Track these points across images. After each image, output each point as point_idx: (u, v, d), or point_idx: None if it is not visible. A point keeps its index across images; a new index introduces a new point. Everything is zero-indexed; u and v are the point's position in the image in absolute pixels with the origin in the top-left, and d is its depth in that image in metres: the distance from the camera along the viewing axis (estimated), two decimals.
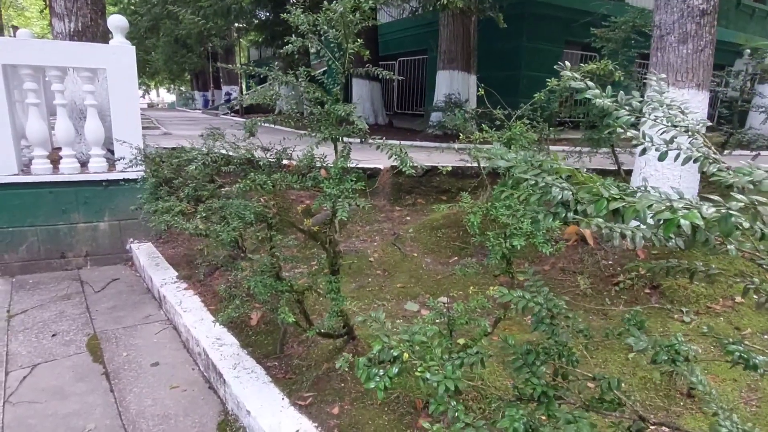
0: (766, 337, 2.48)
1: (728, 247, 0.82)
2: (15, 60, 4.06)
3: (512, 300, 1.23)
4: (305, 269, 3.62)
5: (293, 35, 1.78)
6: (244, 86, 23.69)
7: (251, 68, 2.20)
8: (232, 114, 17.61)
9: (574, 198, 0.67)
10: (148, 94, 38.85)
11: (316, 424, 2.14)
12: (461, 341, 2.64)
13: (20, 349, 3.11)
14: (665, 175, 3.49)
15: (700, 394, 1.14)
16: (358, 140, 1.71)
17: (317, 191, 1.61)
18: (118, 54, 4.41)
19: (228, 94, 23.49)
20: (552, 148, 4.95)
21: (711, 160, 0.79)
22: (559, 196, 0.69)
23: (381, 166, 5.39)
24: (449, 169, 2.39)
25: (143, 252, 4.57)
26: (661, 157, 0.86)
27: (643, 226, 0.68)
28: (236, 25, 16.87)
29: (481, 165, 4.91)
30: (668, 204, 0.57)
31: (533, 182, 0.72)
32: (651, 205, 0.57)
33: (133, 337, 3.30)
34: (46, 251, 4.50)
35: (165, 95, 47.23)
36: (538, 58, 10.54)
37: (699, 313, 2.74)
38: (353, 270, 3.74)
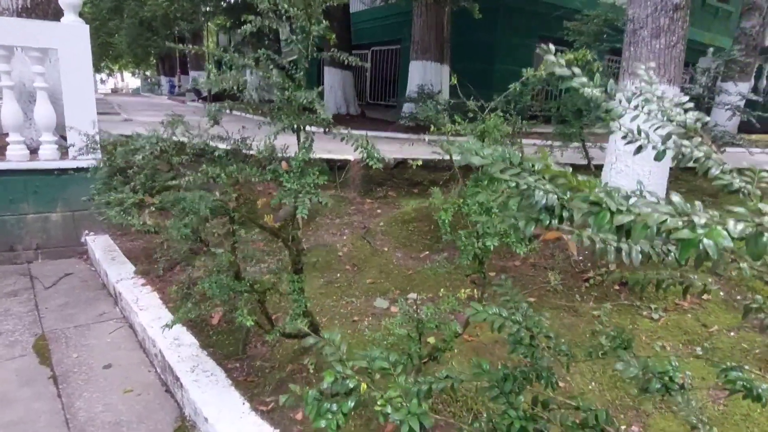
0: (732, 334, 2.50)
1: (741, 265, 0.75)
2: None
3: (487, 319, 1.14)
4: (273, 263, 3.48)
5: (256, 16, 1.64)
6: (212, 72, 22.91)
7: (217, 53, 2.03)
8: (200, 100, 17.06)
9: (560, 203, 0.58)
10: (112, 77, 37.41)
11: (279, 431, 2.03)
12: (431, 340, 2.57)
13: None
14: (635, 170, 3.50)
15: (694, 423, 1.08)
16: (322, 130, 1.59)
17: (279, 185, 1.48)
18: (71, 33, 4.11)
19: (194, 80, 22.78)
20: (525, 141, 4.92)
21: (712, 161, 0.72)
22: (543, 201, 0.60)
23: (351, 158, 5.26)
24: (419, 163, 2.30)
25: (99, 245, 4.33)
26: (658, 157, 0.79)
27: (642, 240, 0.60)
28: (204, 9, 16.29)
29: (453, 158, 4.87)
30: (686, 219, 0.48)
31: (513, 184, 0.63)
32: (665, 221, 0.49)
33: (84, 337, 3.10)
34: None
35: (130, 80, 45.48)
36: (512, 52, 10.55)
37: (667, 310, 2.74)
38: (321, 265, 3.62)
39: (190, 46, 1.94)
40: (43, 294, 3.71)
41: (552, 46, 0.83)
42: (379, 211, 4.70)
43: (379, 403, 0.77)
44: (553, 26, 12.13)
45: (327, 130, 1.57)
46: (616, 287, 2.99)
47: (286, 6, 1.44)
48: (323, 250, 3.89)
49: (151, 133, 2.36)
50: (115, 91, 35.39)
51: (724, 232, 0.47)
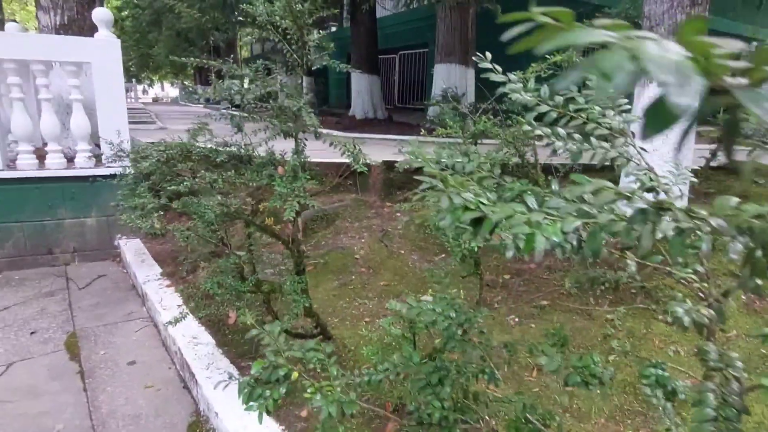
0: (750, 339, 2.40)
1: (628, 262, 0.75)
2: None
3: (420, 314, 1.16)
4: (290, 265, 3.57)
5: (254, 27, 1.72)
6: (246, 81, 23.57)
7: (217, 64, 2.12)
8: (233, 108, 17.55)
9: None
10: (152, 87, 38.90)
11: (284, 427, 2.09)
12: (438, 342, 2.57)
13: None
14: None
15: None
16: (341, 135, 1.64)
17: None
18: (103, 47, 4.35)
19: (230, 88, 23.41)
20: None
21: (631, 161, 0.72)
22: (446, 204, 0.62)
23: (372, 162, 5.29)
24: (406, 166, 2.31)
25: (131, 248, 4.54)
26: (574, 158, 0.79)
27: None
28: (236, 19, 16.78)
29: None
30: (527, 217, 0.50)
31: (428, 186, 0.65)
32: (511, 217, 0.51)
33: (112, 335, 3.26)
34: (33, 247, 4.47)
35: (169, 89, 47.27)
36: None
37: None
38: (337, 267, 3.68)
39: (205, 60, 2.04)
40: (77, 294, 3.92)
41: (488, 54, 0.84)
42: (398, 214, 4.72)
43: (309, 391, 0.80)
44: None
45: (317, 135, 1.62)
46: (633, 291, 2.91)
47: (277, 18, 1.50)
48: (340, 253, 3.95)
49: (162, 141, 2.49)
50: (156, 100, 36.83)
51: (558, 229, 0.48)
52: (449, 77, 8.69)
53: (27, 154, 4.33)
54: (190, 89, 33.26)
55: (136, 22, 21.66)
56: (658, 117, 0.36)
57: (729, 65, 0.35)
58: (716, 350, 0.84)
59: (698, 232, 0.44)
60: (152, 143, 3.37)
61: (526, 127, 0.83)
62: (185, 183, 1.57)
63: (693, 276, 0.91)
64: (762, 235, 0.42)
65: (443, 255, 3.91)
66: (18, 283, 4.13)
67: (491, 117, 2.20)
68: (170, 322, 2.07)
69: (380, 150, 4.51)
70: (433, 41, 12.17)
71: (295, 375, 0.84)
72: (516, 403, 1.01)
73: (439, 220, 0.61)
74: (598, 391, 1.08)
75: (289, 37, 1.63)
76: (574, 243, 0.51)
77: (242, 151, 1.91)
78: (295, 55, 1.64)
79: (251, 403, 0.78)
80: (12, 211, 4.33)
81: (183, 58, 1.89)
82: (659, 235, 0.44)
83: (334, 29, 18.85)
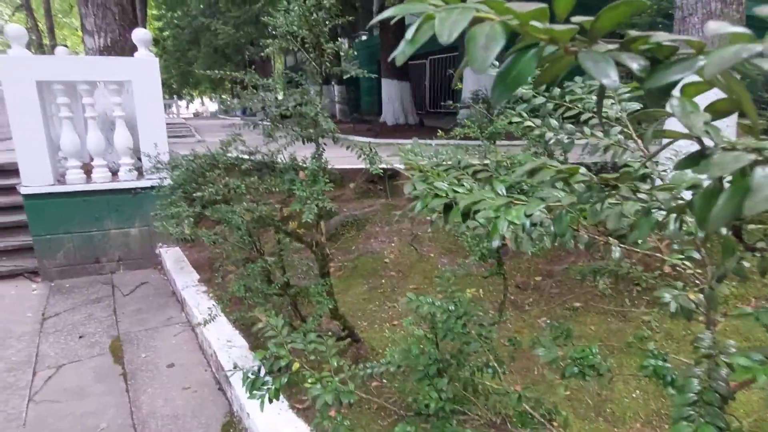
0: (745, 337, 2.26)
1: (613, 248, 0.73)
2: (47, 76, 4.29)
3: (419, 307, 1.16)
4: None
5: (274, 38, 1.78)
6: (280, 94, 24.15)
7: (252, 76, 2.20)
8: (268, 120, 18.00)
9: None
10: (192, 103, 40.38)
11: (311, 428, 2.12)
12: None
13: (49, 350, 3.27)
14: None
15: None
16: (374, 142, 1.68)
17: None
18: (143, 66, 4.57)
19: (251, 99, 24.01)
20: (579, 142, 4.73)
21: (623, 149, 0.70)
22: (410, 190, 0.63)
23: (402, 167, 5.31)
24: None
25: (170, 256, 4.72)
26: (566, 148, 0.78)
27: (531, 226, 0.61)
28: (269, 33, 17.23)
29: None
30: (495, 203, 0.50)
31: (418, 186, 0.66)
32: (478, 201, 0.50)
33: (153, 339, 3.40)
34: (82, 257, 4.73)
35: (208, 104, 48.97)
36: None
37: (727, 315, 2.52)
38: (367, 271, 3.71)
39: (229, 72, 2.12)
40: (121, 300, 4.11)
41: None
42: (428, 218, 4.72)
43: (310, 381, 0.82)
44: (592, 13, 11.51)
45: (335, 140, 1.65)
46: None
47: (295, 28, 1.55)
48: (370, 258, 3.98)
49: (192, 151, 2.59)
50: (196, 115, 38.21)
51: (522, 214, 0.48)
52: (479, 79, 8.63)
53: (75, 169, 4.59)
54: (227, 102, 34.38)
55: (176, 41, 22.60)
56: (504, 82, 0.37)
57: (542, 27, 0.35)
58: (711, 337, 0.81)
59: (661, 210, 0.43)
60: (185, 155, 3.51)
61: (516, 119, 0.82)
62: (209, 189, 1.63)
63: (687, 263, 0.88)
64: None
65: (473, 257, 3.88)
66: (68, 291, 4.37)
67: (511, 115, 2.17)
68: (201, 323, 2.14)
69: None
70: (463, 44, 12.08)
71: (296, 365, 0.87)
72: (512, 394, 0.99)
73: (410, 209, 0.62)
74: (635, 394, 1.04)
75: (306, 45, 1.68)
76: (540, 226, 0.51)
77: (266, 158, 1.98)
78: (313, 63, 1.69)
79: (255, 394, 0.81)
80: (62, 222, 4.60)
81: (211, 72, 1.97)
82: (629, 218, 0.43)
83: (364, 38, 19.07)
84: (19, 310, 3.92)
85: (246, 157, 1.97)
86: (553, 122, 0.84)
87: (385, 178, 5.35)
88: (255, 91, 1.79)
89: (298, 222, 2.41)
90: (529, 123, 0.84)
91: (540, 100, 0.82)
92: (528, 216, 0.49)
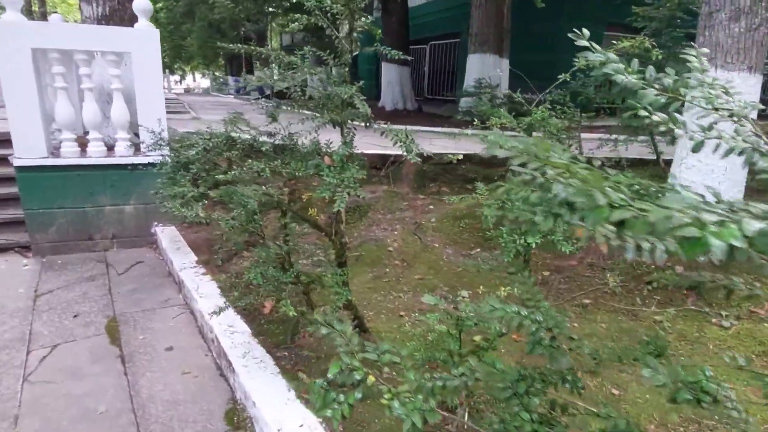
0: None
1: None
2: (43, 44, 4.11)
3: (504, 317, 1.09)
4: (324, 256, 3.56)
5: (305, 14, 1.68)
6: (275, 71, 23.75)
7: (266, 51, 2.09)
8: (263, 98, 17.71)
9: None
10: (184, 79, 39.68)
11: (321, 420, 2.07)
12: (477, 338, 2.51)
13: (43, 329, 3.17)
14: (709, 166, 3.22)
15: None
16: (364, 124, 1.60)
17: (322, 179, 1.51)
18: (143, 38, 4.40)
19: (260, 78, 23.60)
20: (587, 135, 4.69)
21: (760, 152, 0.64)
22: (562, 195, 0.56)
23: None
24: (460, 157, 2.23)
25: (166, 235, 4.61)
26: (695, 149, 0.71)
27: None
28: (267, 9, 16.87)
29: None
30: (694, 216, 0.44)
31: (529, 177, 0.59)
32: (670, 217, 0.44)
33: (150, 321, 3.32)
34: (75, 233, 4.60)
35: (200, 80, 48.11)
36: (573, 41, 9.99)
37: (740, 318, 2.52)
38: (371, 260, 3.65)
39: (239, 46, 2.01)
40: (116, 279, 4.01)
41: (586, 31, 0.77)
42: (431, 207, 4.66)
43: (386, 396, 0.76)
44: (624, 12, 11.44)
45: (368, 124, 1.57)
46: (683, 291, 2.78)
47: (329, 2, 1.46)
48: (374, 246, 3.91)
49: (208, 130, 2.49)
50: (187, 90, 37.53)
51: (737, 231, 0.41)
52: (483, 67, 8.52)
53: (70, 142, 4.44)
54: (221, 80, 33.78)
55: (170, 13, 22.05)
56: None
57: None
58: None
59: None
60: (192, 132, 3.39)
61: (642, 113, 0.75)
62: (233, 172, 1.54)
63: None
64: None
65: (478, 249, 3.83)
66: (61, 268, 4.25)
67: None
68: (214, 313, 2.06)
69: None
70: (465, 31, 11.92)
71: (371, 379, 0.80)
72: (617, 420, 0.93)
73: (539, 219, 0.55)
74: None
75: (338, 22, 1.58)
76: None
77: (286, 140, 1.88)
78: (343, 42, 1.59)
79: (326, 410, 0.75)
80: (55, 197, 4.45)
81: (227, 44, 1.86)
82: None
83: (363, 19, 18.74)
84: (11, 286, 3.80)
85: (266, 139, 1.87)
86: (682, 118, 0.76)
87: (388, 165, 5.26)
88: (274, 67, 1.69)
89: (308, 207, 2.32)
90: (656, 118, 0.77)
91: (651, 92, 0.75)
92: (746, 236, 0.42)
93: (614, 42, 1.66)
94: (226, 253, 3.82)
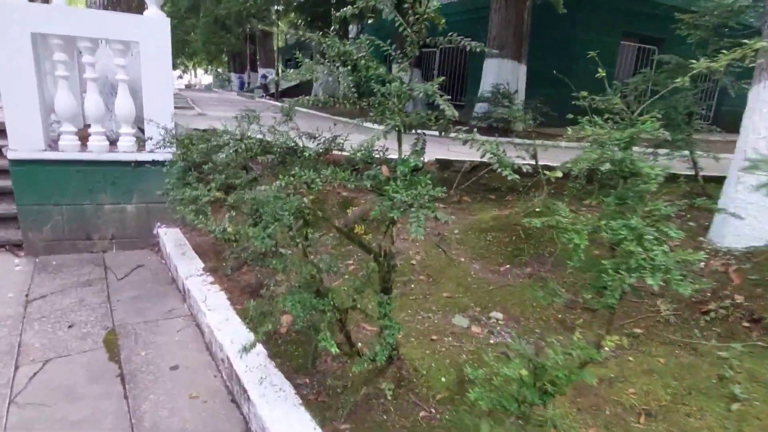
0: None
1: None
2: (44, 28, 3.82)
3: None
4: (341, 266, 3.27)
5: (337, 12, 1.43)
6: (279, 69, 23.50)
7: (322, 40, 1.83)
8: (267, 96, 17.43)
9: None
10: (186, 74, 39.37)
11: None
12: (524, 373, 2.25)
13: (34, 340, 2.88)
14: None
15: None
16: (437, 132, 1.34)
17: (378, 193, 1.24)
18: (153, 26, 4.13)
19: (264, 76, 23.35)
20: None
21: None
22: None
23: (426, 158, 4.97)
24: (559, 174, 1.91)
25: (170, 238, 4.33)
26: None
27: None
28: (275, 7, 16.60)
29: (538, 164, 4.45)
30: None
31: None
32: None
33: (153, 334, 3.03)
34: (72, 232, 4.31)
35: (202, 76, 47.79)
36: (594, 49, 9.78)
37: None
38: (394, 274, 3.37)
39: (294, 32, 1.75)
40: (116, 285, 3.72)
41: None
42: (452, 217, 4.39)
43: None
44: (639, 22, 11.27)
45: (444, 132, 1.31)
46: (745, 324, 2.53)
47: None
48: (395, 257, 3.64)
49: (230, 129, 2.23)
50: (189, 86, 37.18)
51: None
52: (500, 73, 8.27)
53: (69, 135, 4.15)
54: (223, 76, 33.47)
55: (174, 8, 21.74)
56: None
57: None
58: None
59: None
60: (205, 130, 3.11)
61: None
62: (282, 180, 1.27)
63: None
64: None
65: (508, 266, 3.57)
66: (55, 270, 3.96)
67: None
68: (243, 350, 1.79)
69: (429, 147, 4.18)
70: (477, 35, 11.68)
71: None
72: None
73: None
74: None
75: (405, 7, 1.33)
76: None
77: (330, 146, 1.62)
78: (410, 30, 1.34)
79: None
80: (52, 193, 4.16)
81: (302, 32, 1.59)
82: None
83: (370, 21, 18.50)
84: (0, 290, 3.50)
85: (310, 145, 1.60)
86: None
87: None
88: (323, 60, 1.43)
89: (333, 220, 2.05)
90: None
91: None
92: None
93: (724, 52, 1.41)
94: (237, 261, 3.53)
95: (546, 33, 9.91)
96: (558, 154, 6.45)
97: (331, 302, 1.56)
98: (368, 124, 1.80)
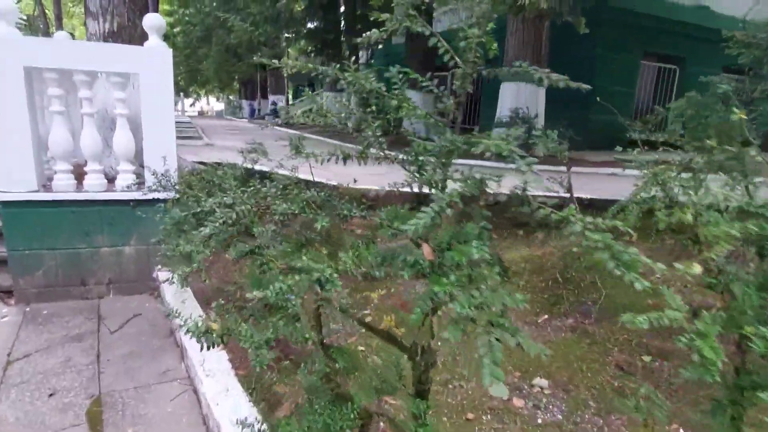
0: None
1: None
2: (38, 62, 3.57)
3: None
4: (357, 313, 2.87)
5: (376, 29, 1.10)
6: (290, 96, 23.56)
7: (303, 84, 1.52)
8: (279, 124, 17.33)
9: None
10: (198, 102, 39.89)
11: None
12: None
13: (8, 413, 2.52)
14: None
15: None
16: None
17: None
18: (153, 57, 3.87)
19: (273, 103, 23.36)
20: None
21: None
22: None
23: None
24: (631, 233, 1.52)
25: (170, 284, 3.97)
26: None
27: None
28: (285, 35, 16.65)
29: (573, 196, 4.03)
30: None
31: None
32: None
33: (144, 403, 2.65)
34: (65, 277, 3.99)
35: (214, 104, 48.45)
36: (614, 70, 9.44)
37: None
38: (409, 331, 2.96)
39: (283, 65, 1.43)
40: (108, 339, 3.36)
41: None
42: (549, 351, 3.97)
43: None
44: (659, 41, 10.93)
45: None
46: None
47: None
48: (407, 312, 3.23)
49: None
50: (201, 113, 37.61)
51: None
52: (518, 96, 7.94)
53: (64, 174, 3.87)
54: (235, 104, 33.78)
55: (186, 38, 22.00)
56: None
57: None
58: None
59: None
60: (205, 167, 2.81)
61: None
62: (287, 283, 0.91)
63: None
64: None
65: (546, 316, 3.15)
66: (45, 320, 3.62)
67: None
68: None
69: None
70: (493, 59, 11.43)
71: None
72: None
73: None
74: None
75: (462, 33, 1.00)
76: None
77: (353, 213, 1.26)
78: (470, 58, 0.99)
79: None
80: (45, 236, 3.86)
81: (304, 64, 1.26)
82: None
83: (380, 46, 18.44)
84: None
85: (353, 211, 1.24)
86: None
87: (419, 205, 4.60)
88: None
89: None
90: None
91: None
92: None
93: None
94: (239, 312, 3.15)
95: (565, 53, 9.59)
96: (588, 182, 6.04)
97: (356, 410, 1.17)
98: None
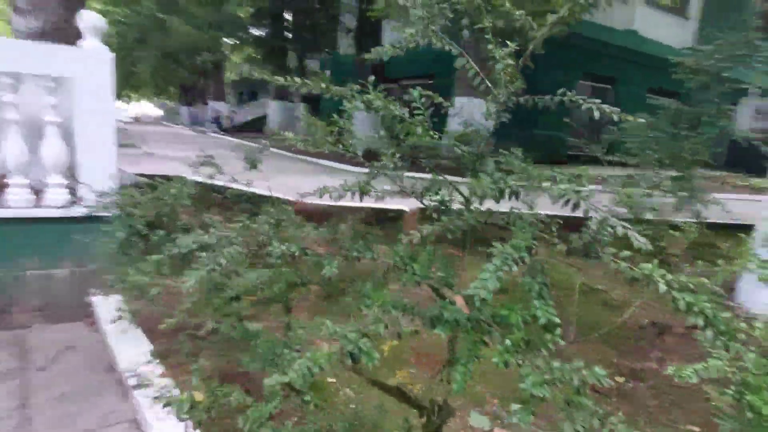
0: None
1: None
2: None
3: None
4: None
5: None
6: (232, 102, 22.77)
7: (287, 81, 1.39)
8: (222, 132, 16.68)
9: None
10: (129, 105, 37.88)
11: None
12: None
13: None
14: None
15: None
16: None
17: None
18: (91, 60, 3.51)
19: (217, 111, 22.50)
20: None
21: None
22: None
23: (406, 208, 4.52)
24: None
25: (109, 309, 3.57)
26: None
27: None
28: (227, 41, 16.11)
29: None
30: None
31: None
32: None
33: None
34: None
35: (150, 109, 46.08)
36: (553, 89, 9.82)
37: None
38: (389, 357, 2.83)
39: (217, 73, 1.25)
40: (37, 379, 2.95)
41: None
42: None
43: None
44: (594, 62, 11.57)
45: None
46: None
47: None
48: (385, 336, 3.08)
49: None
50: (137, 119, 35.58)
51: None
52: (471, 112, 8.06)
53: None
54: (173, 109, 32.32)
55: (122, 39, 20.77)
56: None
57: None
58: None
59: None
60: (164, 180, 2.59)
61: None
62: (294, 376, 0.74)
63: None
64: None
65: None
66: None
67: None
68: None
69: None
70: (440, 72, 11.64)
71: None
72: None
73: None
74: None
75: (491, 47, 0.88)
76: None
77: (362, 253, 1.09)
78: (489, 84, 0.87)
79: None
80: None
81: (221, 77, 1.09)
82: None
83: (330, 55, 18.27)
84: None
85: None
86: None
87: (385, 221, 4.52)
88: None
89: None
90: None
91: None
92: None
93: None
94: (194, 341, 2.87)
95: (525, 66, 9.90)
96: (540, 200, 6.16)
97: None
98: (344, 166, 1.38)
